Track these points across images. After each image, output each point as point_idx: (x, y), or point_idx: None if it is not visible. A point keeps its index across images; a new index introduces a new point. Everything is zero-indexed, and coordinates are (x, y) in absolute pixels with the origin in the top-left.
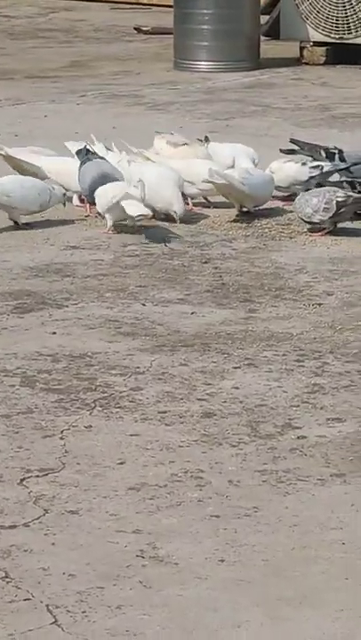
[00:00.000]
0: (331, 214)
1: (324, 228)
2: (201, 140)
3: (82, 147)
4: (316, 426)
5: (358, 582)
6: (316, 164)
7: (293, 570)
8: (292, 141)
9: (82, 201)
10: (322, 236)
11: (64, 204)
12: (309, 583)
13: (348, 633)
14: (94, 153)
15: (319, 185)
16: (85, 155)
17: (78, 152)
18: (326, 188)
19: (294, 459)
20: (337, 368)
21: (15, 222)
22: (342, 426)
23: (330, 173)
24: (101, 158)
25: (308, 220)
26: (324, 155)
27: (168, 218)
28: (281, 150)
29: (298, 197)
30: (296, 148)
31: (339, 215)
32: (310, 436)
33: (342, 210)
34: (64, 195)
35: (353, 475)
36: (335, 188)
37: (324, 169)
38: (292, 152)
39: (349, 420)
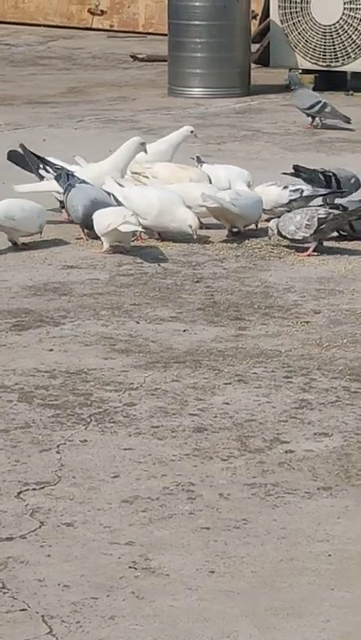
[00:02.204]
0: (312, 231)
1: (308, 247)
2: (194, 159)
3: (60, 170)
4: (304, 440)
5: (344, 593)
6: (296, 187)
7: (281, 581)
8: (295, 168)
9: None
10: (308, 256)
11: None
12: (297, 594)
13: None
14: (73, 175)
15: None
16: (67, 179)
17: (58, 177)
18: (309, 206)
19: (282, 472)
20: (324, 384)
21: (14, 243)
22: (329, 440)
23: (310, 198)
24: (80, 179)
25: (291, 237)
26: (322, 177)
27: (162, 237)
28: (284, 174)
29: (282, 217)
30: (301, 174)
31: (320, 232)
32: (298, 450)
33: (323, 226)
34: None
35: (339, 488)
36: (316, 207)
37: (304, 193)
38: (297, 176)
39: (336, 434)
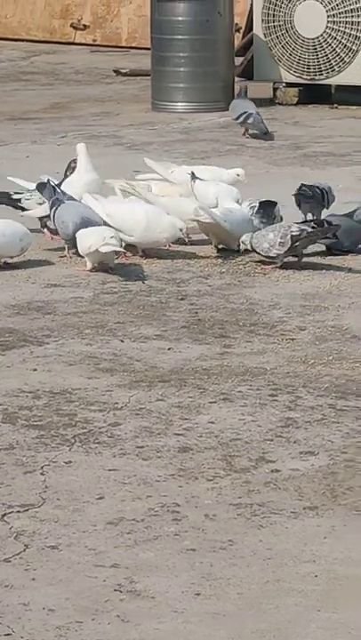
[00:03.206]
0: (286, 248)
1: (275, 261)
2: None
3: (44, 181)
4: (290, 459)
5: (331, 614)
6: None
7: (268, 602)
8: (303, 185)
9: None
10: (272, 269)
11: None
12: (283, 616)
13: None
14: (59, 188)
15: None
16: (52, 193)
17: (41, 187)
18: (281, 223)
19: (268, 492)
20: (309, 402)
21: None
22: (315, 459)
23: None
24: (67, 195)
25: (265, 254)
26: (319, 192)
27: (146, 255)
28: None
29: (255, 234)
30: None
31: (294, 249)
32: (284, 469)
33: (297, 244)
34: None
35: (325, 508)
36: (290, 223)
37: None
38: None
39: (322, 453)
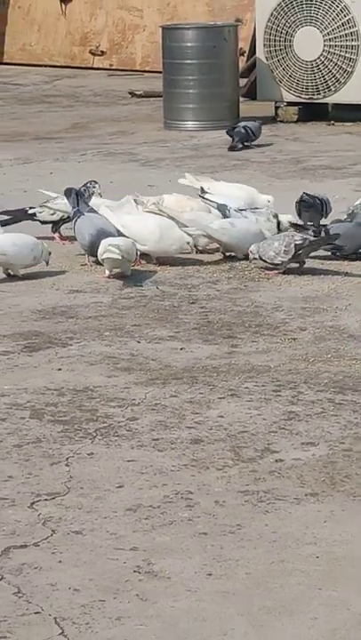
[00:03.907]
0: (290, 256)
1: (279, 267)
2: (199, 189)
3: (72, 191)
4: (292, 450)
5: (331, 592)
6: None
7: (273, 582)
8: (305, 194)
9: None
10: (275, 274)
11: (47, 263)
12: (287, 594)
13: (322, 639)
14: (82, 198)
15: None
16: (76, 202)
17: (68, 194)
18: (285, 232)
19: (273, 480)
20: (310, 397)
21: (8, 274)
22: (316, 449)
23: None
24: (88, 207)
25: (271, 262)
26: (319, 202)
27: (159, 262)
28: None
29: (262, 243)
30: (310, 201)
31: (297, 256)
32: (287, 459)
33: (300, 252)
34: (50, 253)
35: (325, 494)
36: (293, 232)
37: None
38: (305, 204)
39: (322, 443)
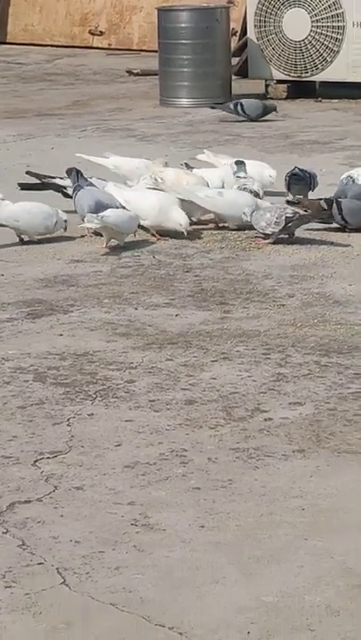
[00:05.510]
0: (280, 227)
1: (267, 238)
2: (183, 165)
3: (73, 170)
4: (281, 409)
5: (316, 542)
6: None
7: (262, 533)
8: (297, 168)
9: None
10: (265, 244)
11: (65, 229)
12: (275, 544)
13: (308, 586)
14: (83, 177)
15: None
16: (77, 179)
17: (69, 172)
18: (277, 204)
19: (262, 438)
20: (298, 359)
21: (21, 240)
22: (302, 409)
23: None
24: (87, 182)
25: (262, 231)
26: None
27: (160, 235)
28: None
29: (254, 213)
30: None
31: (287, 228)
32: (275, 418)
33: (290, 224)
34: (65, 221)
35: (311, 450)
36: (285, 205)
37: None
38: (296, 177)
39: (308, 403)
